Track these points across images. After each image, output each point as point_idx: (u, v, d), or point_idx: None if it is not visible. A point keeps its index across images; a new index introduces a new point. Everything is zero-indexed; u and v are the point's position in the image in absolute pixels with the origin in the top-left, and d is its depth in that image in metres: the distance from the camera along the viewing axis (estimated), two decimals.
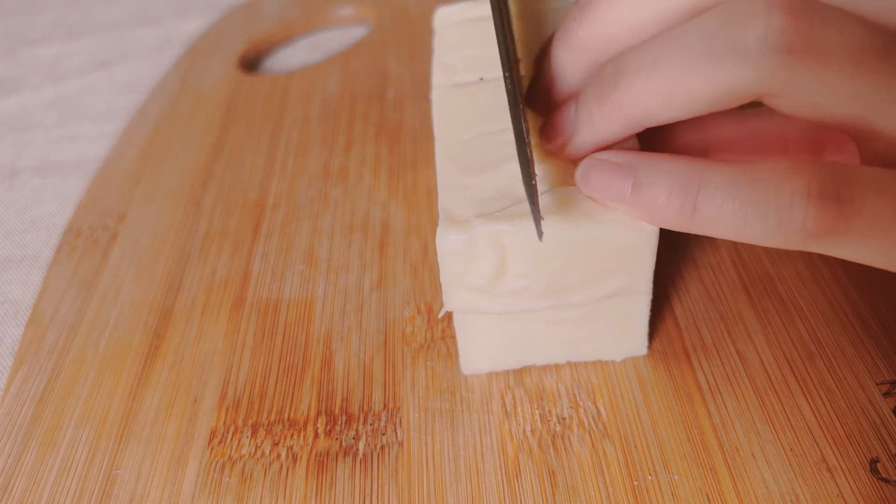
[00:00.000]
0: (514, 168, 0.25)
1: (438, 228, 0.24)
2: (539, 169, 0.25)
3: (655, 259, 0.25)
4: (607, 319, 0.27)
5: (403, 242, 0.35)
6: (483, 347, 0.28)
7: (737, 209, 0.20)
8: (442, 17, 0.34)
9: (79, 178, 0.45)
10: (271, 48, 0.55)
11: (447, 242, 0.24)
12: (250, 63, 0.53)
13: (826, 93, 0.19)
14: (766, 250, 0.31)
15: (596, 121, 0.23)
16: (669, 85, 0.20)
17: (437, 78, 0.30)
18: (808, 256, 0.31)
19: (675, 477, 0.25)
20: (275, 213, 0.38)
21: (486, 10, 0.33)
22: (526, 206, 0.24)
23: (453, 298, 0.25)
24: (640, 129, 0.23)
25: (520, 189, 0.24)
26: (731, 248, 0.32)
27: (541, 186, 0.25)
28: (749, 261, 0.31)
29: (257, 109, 0.46)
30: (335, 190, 0.39)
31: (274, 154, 0.42)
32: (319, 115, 0.44)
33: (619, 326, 0.27)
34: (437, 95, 0.30)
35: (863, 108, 0.20)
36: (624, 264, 0.25)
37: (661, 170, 0.22)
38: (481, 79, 0.30)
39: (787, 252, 0.31)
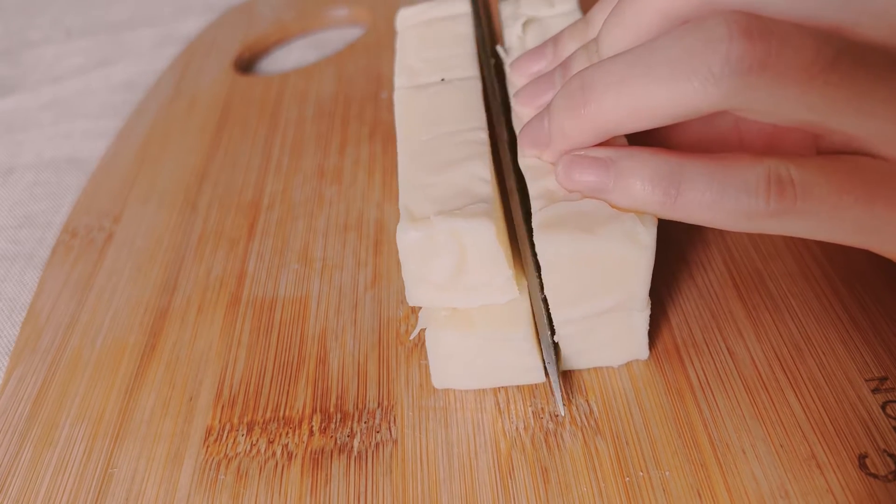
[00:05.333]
0: (473, 167, 0.26)
1: (399, 225, 0.24)
2: (534, 188, 0.26)
3: (651, 275, 0.25)
4: (603, 337, 0.27)
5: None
6: (456, 369, 0.28)
7: (714, 195, 0.22)
8: (404, 19, 0.34)
9: (73, 175, 0.45)
10: (266, 49, 0.55)
11: (407, 238, 0.24)
12: (245, 64, 0.53)
13: (783, 104, 0.21)
14: (756, 248, 0.32)
15: (568, 132, 0.24)
16: (638, 102, 0.22)
17: (399, 80, 0.31)
18: (797, 253, 0.31)
19: (667, 473, 0.25)
20: (270, 213, 0.38)
21: (447, 10, 0.34)
22: (485, 205, 0.24)
23: (415, 294, 0.26)
24: (610, 136, 0.24)
25: (479, 188, 0.25)
26: (722, 247, 0.32)
27: (537, 203, 0.25)
28: (739, 258, 0.31)
29: (253, 110, 0.46)
30: (330, 190, 0.39)
31: (269, 154, 0.42)
32: (314, 116, 0.45)
33: (616, 342, 0.27)
34: (398, 97, 0.30)
35: (816, 115, 0.21)
36: (619, 280, 0.25)
37: (642, 161, 0.23)
38: (442, 79, 0.30)
39: (776, 249, 0.32)
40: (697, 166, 0.22)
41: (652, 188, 0.23)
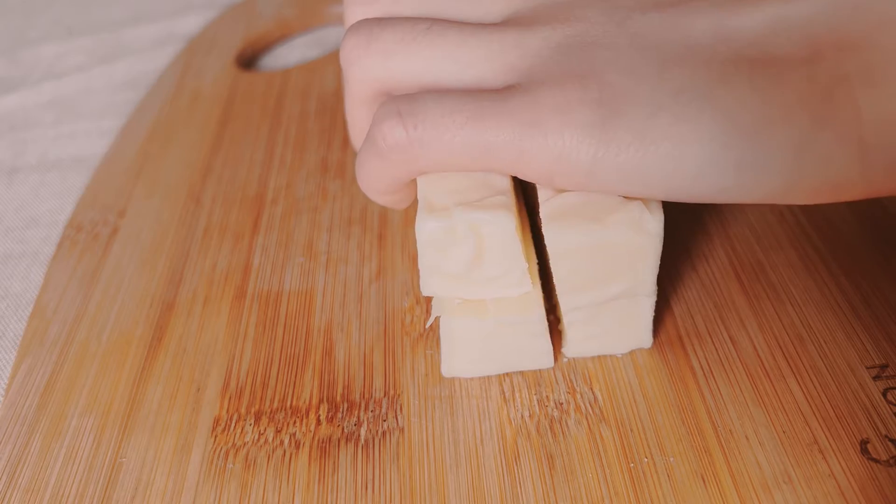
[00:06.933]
0: None
1: (418, 216, 0.25)
2: None
3: (659, 261, 0.25)
4: (608, 323, 0.27)
5: (401, 234, 0.35)
6: (468, 356, 0.28)
7: (363, 158, 0.26)
8: None
9: (78, 174, 0.45)
10: (268, 46, 0.55)
11: (426, 229, 0.24)
12: (247, 61, 0.53)
13: (454, 159, 0.24)
14: (758, 240, 0.32)
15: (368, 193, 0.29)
16: (369, 179, 0.27)
17: None
18: (799, 245, 0.32)
19: (671, 459, 0.25)
20: (274, 208, 0.38)
21: None
22: (504, 198, 0.25)
23: (430, 284, 0.26)
24: (392, 192, 0.28)
25: (497, 180, 0.25)
26: (724, 238, 0.33)
27: (544, 194, 0.25)
28: (741, 250, 0.32)
29: (255, 106, 0.46)
30: (333, 184, 0.39)
31: (272, 149, 0.42)
32: (317, 111, 0.45)
33: (622, 328, 0.28)
34: None
35: (489, 160, 0.23)
36: (627, 267, 0.25)
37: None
38: None
39: (778, 242, 0.32)
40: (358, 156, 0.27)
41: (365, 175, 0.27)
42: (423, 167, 0.25)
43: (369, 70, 0.26)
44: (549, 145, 0.22)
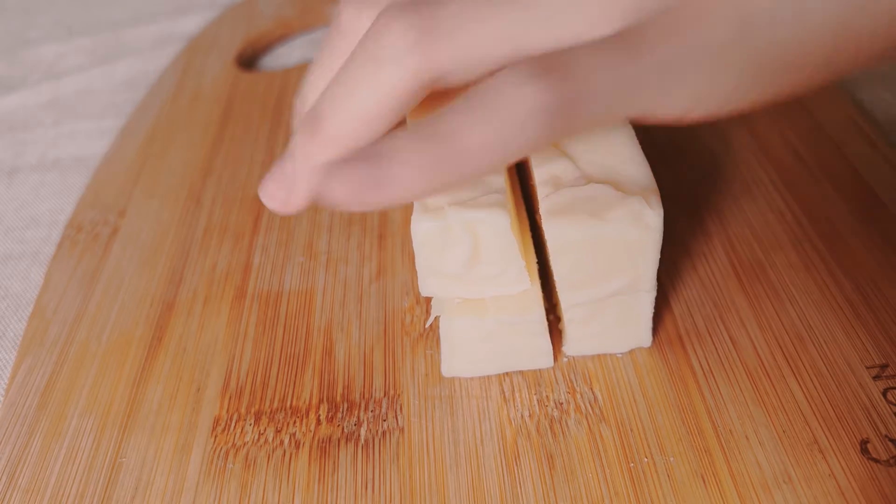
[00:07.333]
0: None
1: (413, 216, 0.25)
2: (539, 174, 0.26)
3: (659, 256, 0.25)
4: (609, 320, 0.27)
5: (401, 234, 0.35)
6: (468, 356, 0.28)
7: (482, 131, 0.19)
8: None
9: (78, 174, 0.45)
10: (269, 46, 0.55)
11: (422, 229, 0.24)
12: (248, 61, 0.53)
13: (479, 49, 0.21)
14: (758, 239, 0.32)
15: (311, 152, 0.23)
16: (366, 106, 0.22)
17: None
18: (799, 245, 0.32)
19: (671, 459, 0.25)
20: None
21: None
22: (498, 196, 0.25)
23: (428, 284, 0.26)
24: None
25: (492, 178, 0.25)
26: (724, 237, 0.32)
27: (544, 190, 0.25)
28: (741, 249, 0.32)
29: (255, 106, 0.46)
30: None
31: (272, 149, 0.42)
32: None
33: (622, 325, 0.28)
34: None
35: (511, 42, 0.21)
36: (627, 262, 0.25)
37: (405, 135, 0.21)
38: None
39: (778, 241, 0.32)
40: (458, 106, 0.20)
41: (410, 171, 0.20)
42: (579, 122, 0.20)
43: (433, 56, 0.21)
44: (700, 76, 0.20)
